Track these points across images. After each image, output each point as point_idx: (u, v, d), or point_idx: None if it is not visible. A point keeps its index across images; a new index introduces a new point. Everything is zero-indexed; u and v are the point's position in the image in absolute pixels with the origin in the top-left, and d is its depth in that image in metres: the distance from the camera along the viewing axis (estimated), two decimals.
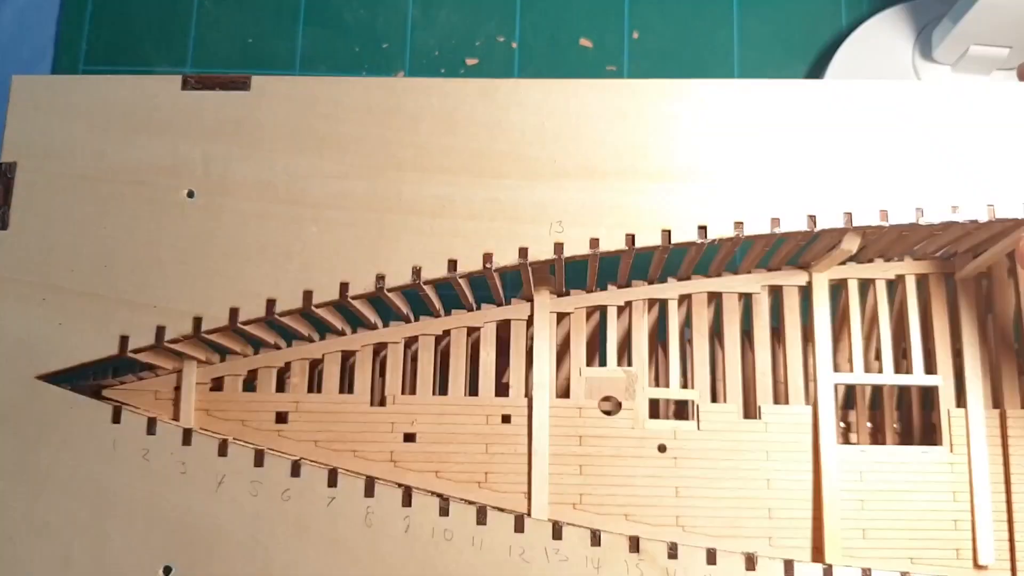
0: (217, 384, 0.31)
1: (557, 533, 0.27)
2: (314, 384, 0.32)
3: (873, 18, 0.47)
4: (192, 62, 0.51)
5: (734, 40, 0.50)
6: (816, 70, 0.49)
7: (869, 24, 0.47)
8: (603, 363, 0.32)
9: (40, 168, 0.28)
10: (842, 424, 0.38)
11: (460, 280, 0.29)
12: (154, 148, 0.29)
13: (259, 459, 0.27)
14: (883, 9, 0.47)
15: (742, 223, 0.28)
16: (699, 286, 0.33)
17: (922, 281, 0.34)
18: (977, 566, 0.31)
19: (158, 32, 0.51)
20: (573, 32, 0.51)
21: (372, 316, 0.31)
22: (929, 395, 0.34)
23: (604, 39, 0.51)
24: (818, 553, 0.30)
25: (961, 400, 0.33)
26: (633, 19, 0.51)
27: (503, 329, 0.32)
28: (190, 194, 0.28)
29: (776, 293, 0.34)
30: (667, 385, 0.33)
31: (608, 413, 0.31)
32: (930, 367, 0.33)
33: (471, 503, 0.28)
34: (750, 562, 0.27)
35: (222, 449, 0.27)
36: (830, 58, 0.47)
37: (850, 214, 0.28)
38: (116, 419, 0.27)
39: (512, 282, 0.32)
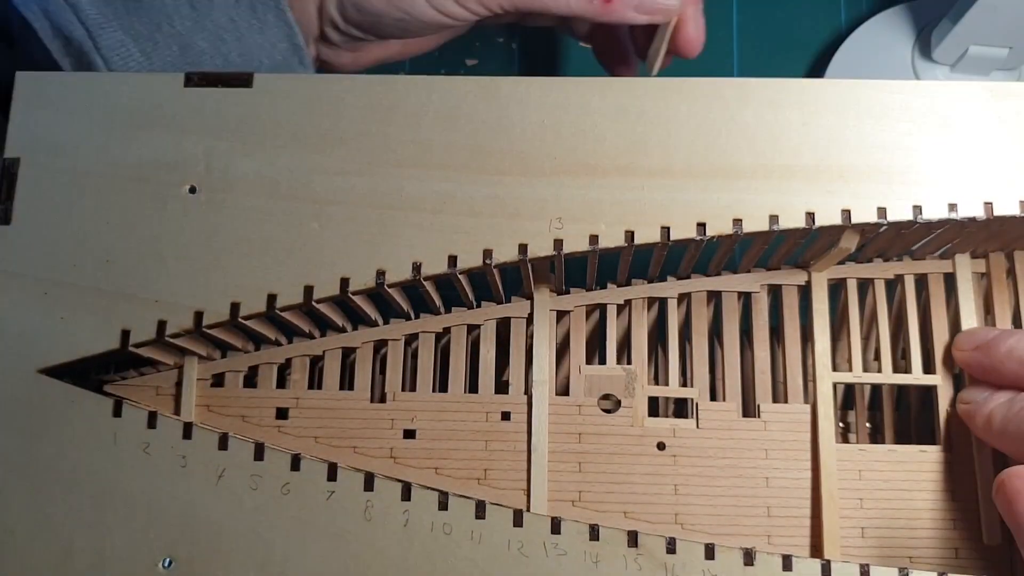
0: (218, 380, 0.31)
1: (556, 527, 0.27)
2: (314, 380, 0.32)
3: (873, 18, 0.47)
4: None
5: (734, 40, 0.50)
6: (816, 70, 0.49)
7: (869, 24, 0.47)
8: (603, 361, 0.32)
9: (43, 164, 0.29)
10: (841, 425, 0.38)
11: (460, 277, 0.29)
12: (157, 144, 0.29)
13: (259, 453, 0.27)
14: (883, 9, 0.47)
15: (741, 220, 0.28)
16: (698, 285, 0.33)
17: (921, 281, 0.34)
18: (983, 545, 0.31)
19: None
20: None
21: (373, 313, 0.31)
22: (929, 396, 0.34)
23: None
24: (816, 552, 0.31)
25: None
26: None
27: (503, 327, 0.32)
28: (192, 190, 0.29)
29: (775, 292, 0.34)
30: (666, 383, 0.33)
31: (607, 411, 0.31)
32: (929, 367, 0.33)
33: (470, 499, 0.28)
34: (748, 557, 0.28)
35: (222, 443, 0.27)
36: (830, 58, 0.47)
37: (848, 212, 0.28)
38: (117, 413, 0.27)
39: (513, 282, 0.32)
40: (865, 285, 0.34)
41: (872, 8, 0.49)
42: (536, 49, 0.51)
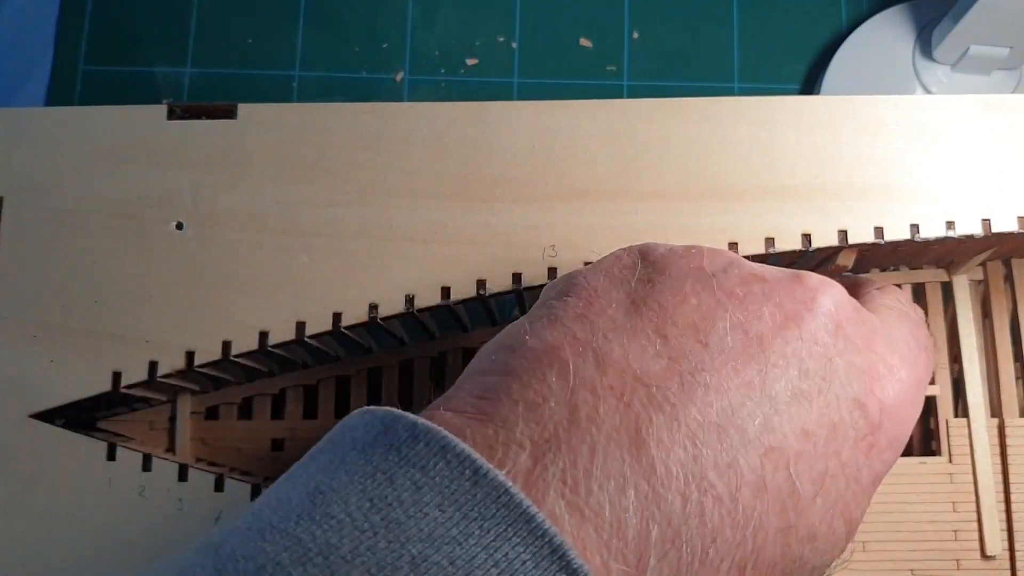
0: (212, 412, 0.31)
1: None
2: (309, 410, 0.32)
3: (873, 18, 0.46)
4: (192, 62, 0.50)
5: (734, 40, 0.49)
6: (816, 70, 0.48)
7: (869, 24, 0.46)
8: None
9: (26, 203, 0.28)
10: None
11: (453, 308, 0.28)
12: (141, 180, 0.28)
13: (255, 493, 0.27)
14: (883, 9, 0.47)
15: (736, 244, 0.28)
16: None
17: (919, 289, 0.33)
18: (984, 556, 0.31)
19: (158, 32, 0.51)
20: (573, 32, 0.51)
21: (366, 340, 0.31)
22: (927, 401, 0.34)
23: (604, 39, 0.50)
24: None
25: (959, 409, 0.33)
26: (633, 19, 0.50)
27: None
28: (179, 226, 0.28)
29: None
30: None
31: None
32: None
33: None
34: None
35: (218, 484, 0.27)
36: (830, 58, 0.46)
37: (845, 232, 0.28)
38: (111, 456, 0.27)
39: (508, 302, 0.32)
40: None
41: (872, 8, 0.48)
42: (536, 49, 0.50)
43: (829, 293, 0.21)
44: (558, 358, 0.18)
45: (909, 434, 0.22)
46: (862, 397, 0.20)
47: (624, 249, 0.22)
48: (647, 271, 0.21)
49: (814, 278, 0.21)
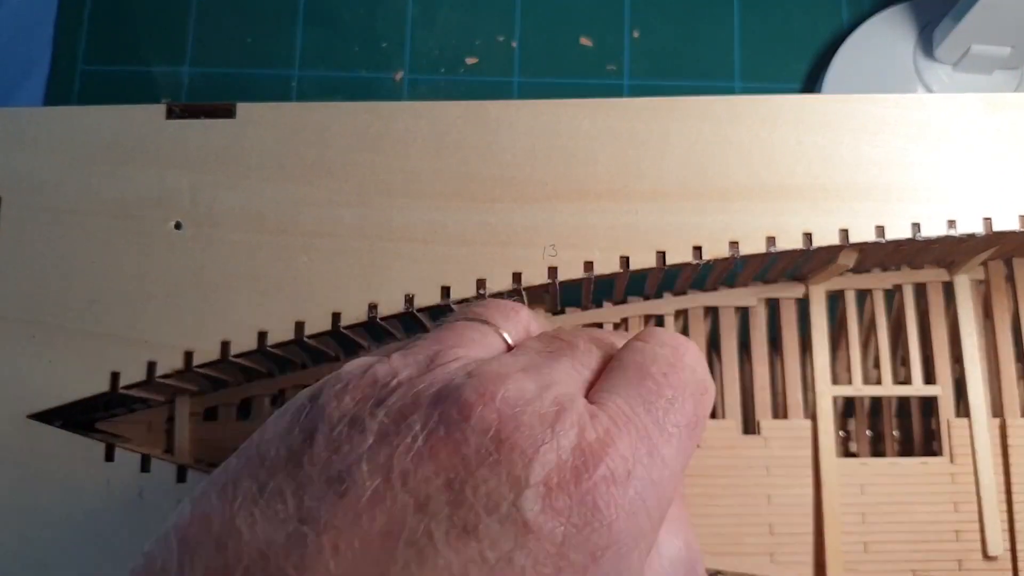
0: (211, 412, 0.31)
1: None
2: None
3: (874, 18, 0.46)
4: (191, 61, 0.50)
5: (734, 40, 0.49)
6: (817, 70, 0.48)
7: (870, 24, 0.46)
8: None
9: (25, 203, 0.28)
10: (842, 432, 0.38)
11: (454, 308, 0.28)
12: (140, 180, 0.28)
13: None
14: (884, 8, 0.47)
15: (737, 243, 0.28)
16: (695, 301, 0.33)
17: (920, 289, 0.33)
18: (986, 556, 0.30)
19: (157, 32, 0.51)
20: (573, 32, 0.51)
21: (365, 341, 0.31)
22: (929, 402, 0.33)
23: (604, 39, 0.50)
24: (820, 569, 0.30)
25: (960, 409, 0.33)
26: (633, 19, 0.50)
27: None
28: (178, 226, 0.28)
29: (773, 305, 0.33)
30: None
31: None
32: (929, 375, 0.32)
33: None
34: None
35: None
36: (831, 58, 0.46)
37: (846, 231, 0.28)
38: (109, 457, 0.27)
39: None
40: (863, 295, 0.34)
41: (874, 7, 0.48)
42: (537, 48, 0.50)
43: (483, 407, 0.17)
44: (186, 536, 0.17)
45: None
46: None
47: (303, 391, 0.19)
48: (310, 419, 0.18)
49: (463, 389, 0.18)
